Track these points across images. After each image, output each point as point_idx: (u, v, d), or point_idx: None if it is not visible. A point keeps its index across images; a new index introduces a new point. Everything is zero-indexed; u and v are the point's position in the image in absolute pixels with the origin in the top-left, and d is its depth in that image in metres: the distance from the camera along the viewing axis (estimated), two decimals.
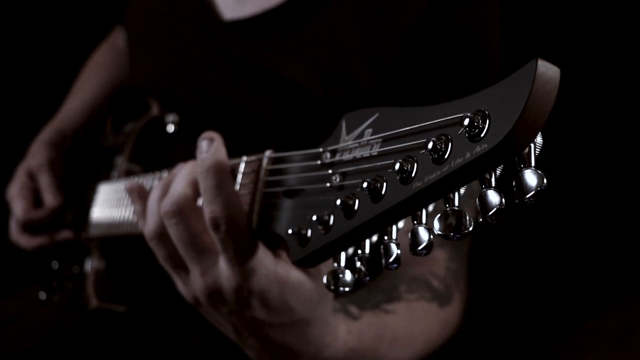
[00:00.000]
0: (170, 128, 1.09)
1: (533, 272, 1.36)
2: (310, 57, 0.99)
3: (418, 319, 0.84)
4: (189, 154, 0.87)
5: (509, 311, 1.28)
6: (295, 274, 0.65)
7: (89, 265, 1.17)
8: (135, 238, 0.99)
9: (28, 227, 1.26)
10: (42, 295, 1.26)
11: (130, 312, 1.13)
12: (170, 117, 1.10)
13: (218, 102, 1.06)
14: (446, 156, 0.46)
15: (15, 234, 1.28)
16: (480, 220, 0.46)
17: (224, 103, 1.06)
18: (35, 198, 1.27)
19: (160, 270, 1.16)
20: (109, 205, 1.09)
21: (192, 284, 0.69)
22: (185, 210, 0.66)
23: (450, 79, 0.94)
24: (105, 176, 1.20)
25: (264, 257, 0.65)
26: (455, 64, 0.94)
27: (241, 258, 0.64)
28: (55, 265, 1.27)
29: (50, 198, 1.25)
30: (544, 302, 1.30)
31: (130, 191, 0.76)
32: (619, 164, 1.38)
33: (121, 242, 1.12)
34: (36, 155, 1.30)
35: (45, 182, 1.26)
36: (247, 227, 0.65)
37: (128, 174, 1.13)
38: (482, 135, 0.44)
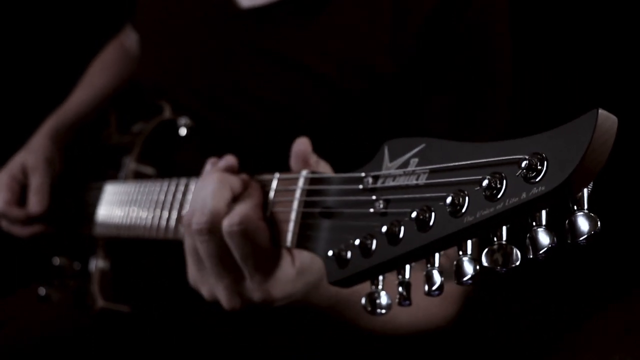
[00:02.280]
0: (183, 131, 1.09)
1: (533, 272, 1.38)
2: (328, 44, 0.99)
3: (419, 286, 0.86)
4: (200, 158, 0.87)
5: (509, 310, 1.31)
6: (306, 256, 0.71)
7: (94, 264, 1.16)
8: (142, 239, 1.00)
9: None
10: (42, 291, 1.25)
11: (134, 312, 1.14)
12: (183, 120, 1.09)
13: (235, 93, 1.05)
14: (500, 195, 0.48)
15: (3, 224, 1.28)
16: (530, 256, 0.48)
17: (242, 94, 1.05)
18: (22, 193, 1.26)
19: (165, 270, 1.17)
20: (119, 206, 1.08)
21: (216, 292, 0.74)
22: (216, 227, 0.69)
23: (463, 70, 0.95)
24: (112, 175, 1.19)
25: (284, 265, 0.71)
26: (469, 55, 0.95)
27: (264, 271, 0.70)
28: (56, 262, 1.27)
29: (34, 203, 1.23)
30: (544, 301, 1.33)
31: None
32: (618, 165, 1.41)
33: (126, 242, 1.12)
34: (35, 151, 1.28)
35: (35, 184, 1.24)
36: (265, 240, 0.69)
37: (136, 175, 1.12)
38: (539, 177, 0.46)
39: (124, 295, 1.15)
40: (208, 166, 0.79)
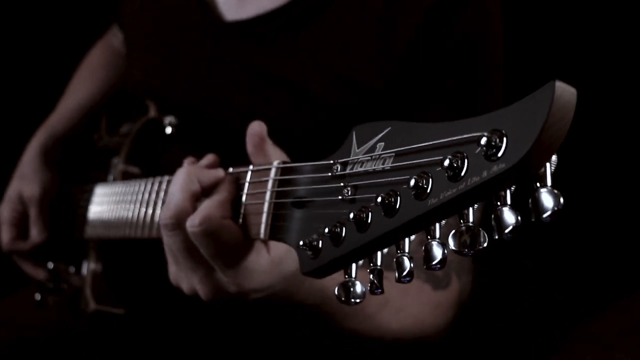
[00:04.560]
0: (168, 130, 1.09)
1: (533, 273, 1.37)
2: (314, 59, 0.97)
3: (410, 292, 0.86)
4: (187, 156, 0.87)
5: (510, 311, 1.29)
6: (283, 246, 0.68)
7: (86, 267, 1.16)
8: (132, 239, 0.99)
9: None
10: (37, 296, 1.26)
11: (128, 314, 1.13)
12: (168, 119, 1.09)
13: (218, 105, 1.05)
14: (462, 174, 0.47)
15: (17, 261, 1.29)
16: (496, 237, 0.47)
17: (224, 106, 1.04)
18: (24, 223, 1.27)
19: (158, 271, 1.16)
20: (107, 207, 1.08)
21: (193, 285, 0.73)
22: (182, 223, 0.68)
23: (454, 81, 0.94)
24: (101, 177, 1.19)
25: (257, 257, 0.70)
26: (460, 66, 0.93)
27: (234, 265, 0.69)
28: (50, 266, 1.27)
29: (35, 233, 1.24)
30: (544, 302, 1.31)
31: None
32: (619, 165, 1.39)
33: (118, 243, 1.12)
34: (29, 177, 1.28)
35: (34, 215, 1.25)
36: (232, 237, 0.68)
37: (125, 175, 1.12)
38: (499, 154, 0.44)
39: (117, 298, 1.14)
40: (185, 163, 0.78)
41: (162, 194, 0.89)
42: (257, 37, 1.02)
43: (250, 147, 0.72)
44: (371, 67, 0.94)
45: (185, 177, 0.70)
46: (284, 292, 0.73)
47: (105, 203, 1.10)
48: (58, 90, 1.42)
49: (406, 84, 0.94)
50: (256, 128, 0.71)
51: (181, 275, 0.73)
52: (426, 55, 0.93)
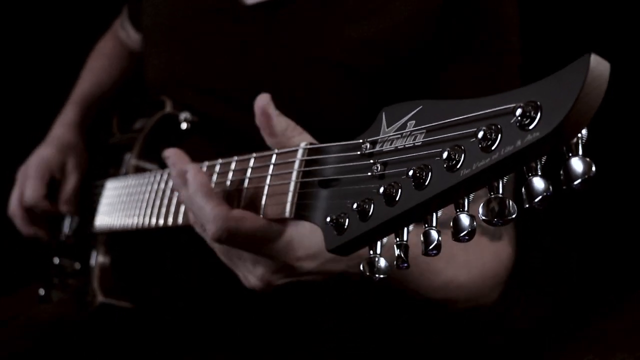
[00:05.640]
0: (184, 126, 1.10)
1: (537, 272, 1.38)
2: (340, 31, 0.98)
3: (472, 245, 0.87)
4: (202, 151, 0.88)
5: (511, 311, 1.30)
6: (306, 225, 0.71)
7: (94, 260, 1.16)
8: (141, 234, 1.00)
9: (29, 211, 1.26)
10: (42, 291, 1.25)
11: (135, 308, 1.13)
12: (184, 115, 1.10)
13: (247, 88, 1.02)
14: (495, 145, 0.48)
15: (15, 212, 1.27)
16: (527, 206, 0.48)
17: (254, 87, 1.04)
18: (52, 188, 1.27)
19: (166, 266, 1.17)
20: (119, 199, 1.09)
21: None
22: None
23: (477, 41, 0.95)
24: (113, 173, 1.19)
25: (296, 229, 0.73)
26: (482, 26, 0.95)
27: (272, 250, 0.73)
28: (56, 261, 1.27)
29: (66, 202, 1.25)
30: (545, 302, 1.32)
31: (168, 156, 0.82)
32: (623, 164, 1.41)
33: (127, 237, 1.12)
34: (78, 151, 1.30)
35: (71, 185, 1.27)
36: (254, 224, 0.71)
37: (137, 170, 1.13)
38: (533, 124, 0.46)
39: (124, 291, 1.14)
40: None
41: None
42: (281, 17, 1.02)
43: (257, 120, 0.74)
44: (400, 31, 0.95)
45: (200, 184, 0.74)
46: (331, 273, 0.76)
47: (116, 195, 1.10)
48: (59, 89, 1.43)
49: (432, 60, 0.95)
50: (260, 102, 0.74)
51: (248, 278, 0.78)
52: (450, 30, 0.95)
